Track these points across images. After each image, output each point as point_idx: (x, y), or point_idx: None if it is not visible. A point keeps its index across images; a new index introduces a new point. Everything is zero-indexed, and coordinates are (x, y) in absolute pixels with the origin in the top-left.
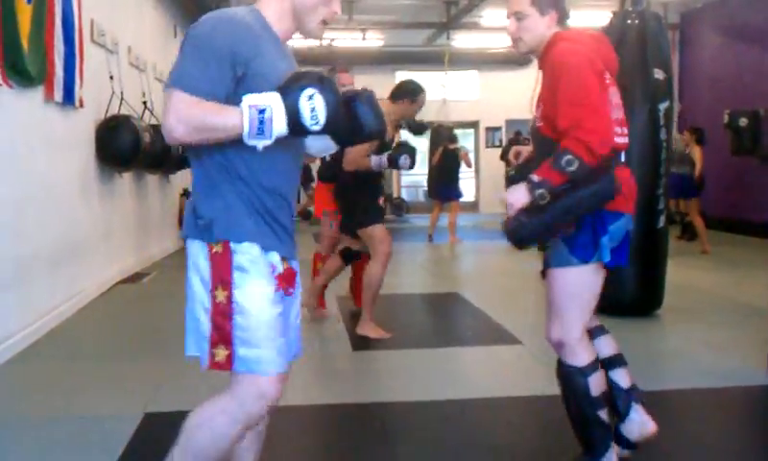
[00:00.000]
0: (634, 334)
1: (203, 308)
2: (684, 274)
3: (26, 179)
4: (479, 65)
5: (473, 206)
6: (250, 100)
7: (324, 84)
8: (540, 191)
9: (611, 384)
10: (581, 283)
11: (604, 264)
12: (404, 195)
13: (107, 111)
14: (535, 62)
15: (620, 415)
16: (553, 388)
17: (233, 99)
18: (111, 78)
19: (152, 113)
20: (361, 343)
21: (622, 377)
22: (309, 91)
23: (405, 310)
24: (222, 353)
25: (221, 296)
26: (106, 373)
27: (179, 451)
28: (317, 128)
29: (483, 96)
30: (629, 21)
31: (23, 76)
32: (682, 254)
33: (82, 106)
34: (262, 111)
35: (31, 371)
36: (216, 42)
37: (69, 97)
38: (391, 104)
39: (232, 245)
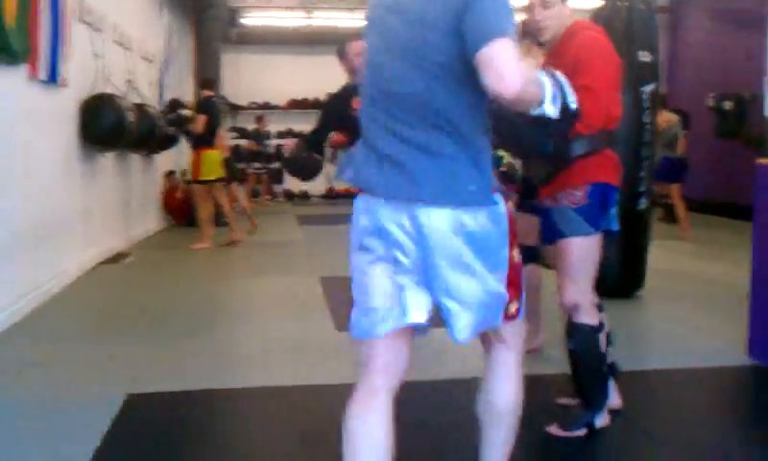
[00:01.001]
0: (615, 315)
1: (492, 271)
2: (667, 256)
3: (7, 156)
4: None
5: None
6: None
7: None
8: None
9: None
10: (594, 250)
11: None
12: None
13: (91, 90)
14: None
15: None
16: (540, 368)
17: None
18: (96, 56)
19: (137, 92)
20: (344, 324)
21: (608, 354)
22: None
23: None
24: (514, 307)
25: (516, 254)
26: (87, 354)
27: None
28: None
29: None
30: (618, 2)
31: (7, 53)
32: (664, 236)
33: (65, 85)
34: (556, 83)
35: (12, 351)
36: None
37: (53, 75)
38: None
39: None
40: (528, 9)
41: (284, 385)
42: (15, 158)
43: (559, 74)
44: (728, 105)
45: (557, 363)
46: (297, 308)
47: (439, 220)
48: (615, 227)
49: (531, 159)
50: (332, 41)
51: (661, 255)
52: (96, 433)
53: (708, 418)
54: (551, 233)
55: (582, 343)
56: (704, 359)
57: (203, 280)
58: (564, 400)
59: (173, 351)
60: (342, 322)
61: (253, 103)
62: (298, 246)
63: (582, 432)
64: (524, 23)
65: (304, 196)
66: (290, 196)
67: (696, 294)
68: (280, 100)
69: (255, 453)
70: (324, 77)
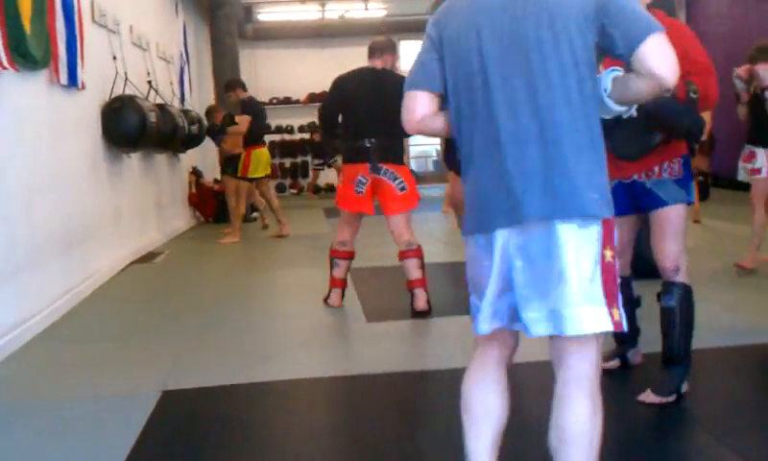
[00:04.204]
0: (650, 296)
1: (591, 275)
2: (699, 234)
3: (34, 162)
4: None
5: None
6: None
7: None
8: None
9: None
10: (686, 218)
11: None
12: (413, 165)
13: (111, 92)
14: None
15: (634, 342)
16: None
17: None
18: (114, 58)
19: (157, 92)
20: (375, 314)
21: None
22: None
23: None
24: (617, 313)
25: (609, 256)
26: (122, 352)
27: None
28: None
29: None
30: None
31: (27, 59)
32: (694, 214)
33: (84, 88)
34: None
35: (49, 353)
36: None
37: (73, 79)
38: None
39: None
40: None
41: (317, 377)
42: (42, 164)
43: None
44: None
45: None
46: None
47: None
48: (693, 198)
49: (621, 137)
50: (347, 34)
51: (694, 233)
52: (132, 430)
53: (747, 397)
54: (641, 206)
55: (682, 300)
56: (741, 337)
57: (233, 275)
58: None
59: (206, 346)
60: (372, 312)
61: (274, 98)
62: (325, 239)
63: (673, 398)
64: None
65: (331, 189)
66: (316, 189)
67: (730, 271)
68: (300, 94)
69: (289, 445)
70: (340, 70)
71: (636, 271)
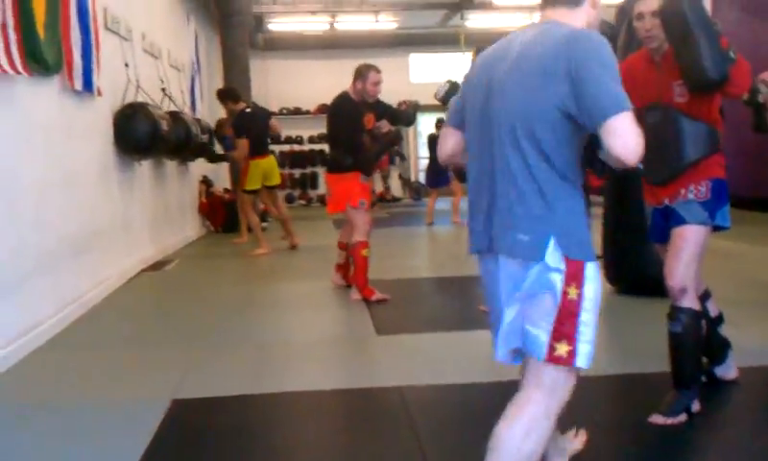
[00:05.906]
0: (656, 314)
1: (545, 305)
2: (707, 253)
3: (45, 168)
4: None
5: None
6: None
7: None
8: None
9: (719, 337)
10: (706, 241)
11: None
12: (422, 179)
13: (123, 99)
14: None
15: (720, 359)
16: None
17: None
18: (127, 65)
19: (171, 100)
20: (385, 327)
21: (723, 332)
22: None
23: (429, 294)
24: (563, 349)
25: (573, 293)
26: (132, 360)
27: None
28: None
29: None
30: None
31: (41, 64)
32: None
33: (100, 94)
34: None
35: (59, 359)
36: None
37: (88, 85)
38: None
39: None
40: (637, 17)
41: (327, 389)
42: (53, 170)
43: None
44: (762, 97)
45: None
46: (337, 312)
47: None
48: (728, 223)
49: (650, 164)
50: (357, 45)
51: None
52: (142, 438)
53: (751, 418)
54: (669, 228)
55: (687, 326)
56: (746, 358)
57: (243, 286)
58: None
59: (216, 355)
60: (381, 325)
61: (284, 109)
62: (335, 250)
63: (683, 418)
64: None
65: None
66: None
67: (736, 290)
68: (310, 105)
69: (297, 457)
70: (350, 81)
71: (643, 288)
